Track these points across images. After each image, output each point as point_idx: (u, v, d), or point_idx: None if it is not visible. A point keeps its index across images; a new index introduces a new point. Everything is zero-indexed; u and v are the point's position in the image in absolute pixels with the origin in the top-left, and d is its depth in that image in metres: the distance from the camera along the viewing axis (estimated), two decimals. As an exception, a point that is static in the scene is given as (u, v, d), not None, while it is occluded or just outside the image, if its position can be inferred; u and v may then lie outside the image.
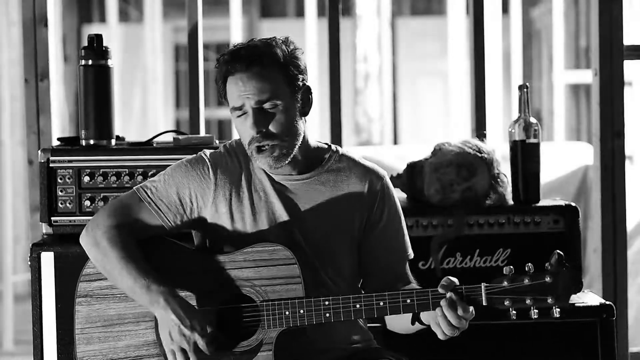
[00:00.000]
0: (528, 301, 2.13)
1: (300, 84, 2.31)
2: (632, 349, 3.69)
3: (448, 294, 2.15)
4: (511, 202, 3.01)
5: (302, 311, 2.22)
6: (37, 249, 2.71)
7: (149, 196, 2.32)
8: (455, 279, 2.17)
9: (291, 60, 2.29)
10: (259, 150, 2.28)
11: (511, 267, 2.15)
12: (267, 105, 2.26)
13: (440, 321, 2.15)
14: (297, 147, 2.31)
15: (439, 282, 2.18)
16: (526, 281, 2.13)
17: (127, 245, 2.26)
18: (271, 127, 2.27)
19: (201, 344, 2.18)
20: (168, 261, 2.30)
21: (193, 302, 2.25)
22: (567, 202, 2.98)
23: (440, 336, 2.18)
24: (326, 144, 2.42)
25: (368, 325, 2.44)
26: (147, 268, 2.24)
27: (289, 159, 2.30)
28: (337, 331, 2.33)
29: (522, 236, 2.94)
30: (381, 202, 2.38)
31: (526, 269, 2.14)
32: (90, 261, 2.30)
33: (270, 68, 2.27)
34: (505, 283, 2.14)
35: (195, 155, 2.39)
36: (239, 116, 2.29)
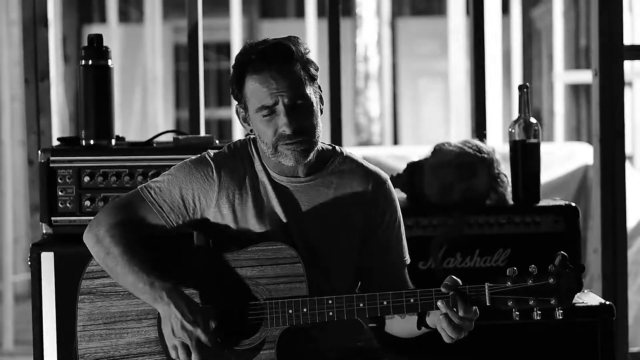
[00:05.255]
0: (531, 302, 2.13)
1: (318, 82, 2.31)
2: (632, 349, 3.69)
3: (451, 293, 2.15)
4: (511, 202, 3.01)
5: (305, 310, 2.21)
6: (37, 249, 2.71)
7: (152, 196, 2.32)
8: (458, 279, 2.17)
9: (308, 58, 2.29)
10: (288, 146, 2.26)
11: (514, 268, 2.15)
12: (299, 102, 2.26)
13: (442, 320, 2.15)
14: (319, 142, 2.31)
15: (439, 282, 2.18)
16: (530, 282, 2.13)
17: (130, 243, 2.25)
18: (302, 123, 2.26)
19: (204, 339, 2.17)
20: (172, 259, 2.29)
21: (197, 300, 2.25)
22: (567, 202, 2.98)
23: (446, 339, 2.17)
24: (330, 145, 2.41)
25: (369, 325, 2.44)
26: (150, 265, 2.23)
27: (312, 155, 2.29)
28: (340, 330, 2.32)
29: (522, 236, 2.94)
30: (383, 206, 2.37)
31: (529, 269, 2.14)
32: (93, 259, 2.30)
33: (298, 65, 2.26)
34: (509, 283, 2.14)
35: (199, 155, 2.37)
36: (265, 115, 2.25)
